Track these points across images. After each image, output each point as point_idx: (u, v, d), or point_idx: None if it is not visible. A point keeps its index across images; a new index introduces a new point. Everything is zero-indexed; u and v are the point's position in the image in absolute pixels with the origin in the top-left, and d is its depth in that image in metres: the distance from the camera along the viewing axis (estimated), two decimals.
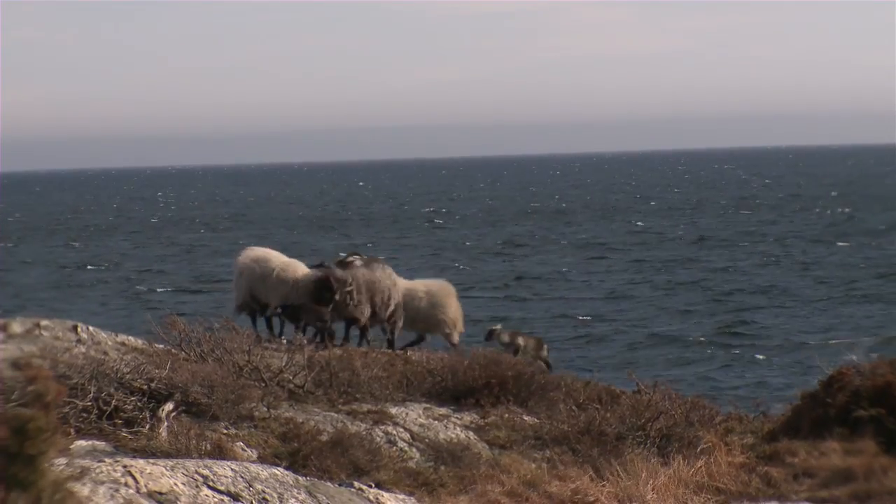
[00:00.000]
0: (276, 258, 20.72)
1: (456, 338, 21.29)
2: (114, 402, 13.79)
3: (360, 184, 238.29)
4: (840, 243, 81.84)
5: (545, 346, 21.83)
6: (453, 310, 21.40)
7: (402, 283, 21.06)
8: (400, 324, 20.96)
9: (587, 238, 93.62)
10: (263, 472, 11.53)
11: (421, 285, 21.53)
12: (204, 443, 13.52)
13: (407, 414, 16.18)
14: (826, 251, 77.69)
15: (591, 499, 13.70)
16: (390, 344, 20.84)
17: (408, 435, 15.62)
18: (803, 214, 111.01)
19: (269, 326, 20.46)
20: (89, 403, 13.68)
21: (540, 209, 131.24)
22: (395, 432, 15.58)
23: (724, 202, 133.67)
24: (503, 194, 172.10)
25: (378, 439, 15.13)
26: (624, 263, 74.66)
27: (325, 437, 14.45)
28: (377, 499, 12.33)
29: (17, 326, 16.79)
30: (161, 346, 17.32)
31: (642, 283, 64.49)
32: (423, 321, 21.24)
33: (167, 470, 10.97)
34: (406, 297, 20.90)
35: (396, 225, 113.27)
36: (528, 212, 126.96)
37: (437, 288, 21.56)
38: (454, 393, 17.10)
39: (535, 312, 55.07)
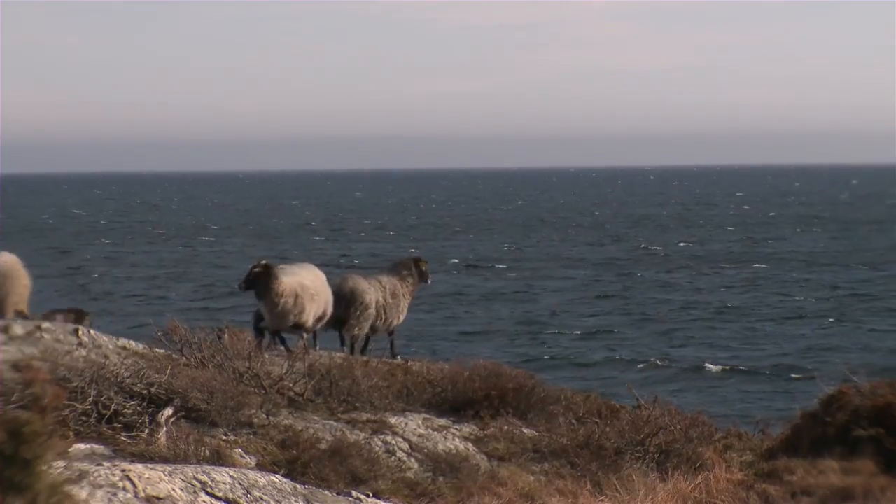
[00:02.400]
0: (317, 270, 20.60)
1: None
2: (113, 406, 13.78)
3: (357, 193, 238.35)
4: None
5: (86, 318, 19.87)
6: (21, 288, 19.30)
7: None
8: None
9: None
10: (262, 479, 11.51)
11: None
12: (203, 449, 13.51)
13: (406, 424, 16.16)
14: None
15: None
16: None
17: (407, 445, 15.60)
18: None
19: (280, 339, 20.23)
20: (89, 407, 13.68)
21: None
22: (394, 442, 15.55)
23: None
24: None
25: (377, 449, 15.11)
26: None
27: (323, 446, 14.43)
28: None
29: (18, 328, 16.81)
30: (162, 350, 17.32)
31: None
32: None
33: (165, 475, 10.96)
34: None
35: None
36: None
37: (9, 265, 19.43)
38: (454, 404, 17.09)
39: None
